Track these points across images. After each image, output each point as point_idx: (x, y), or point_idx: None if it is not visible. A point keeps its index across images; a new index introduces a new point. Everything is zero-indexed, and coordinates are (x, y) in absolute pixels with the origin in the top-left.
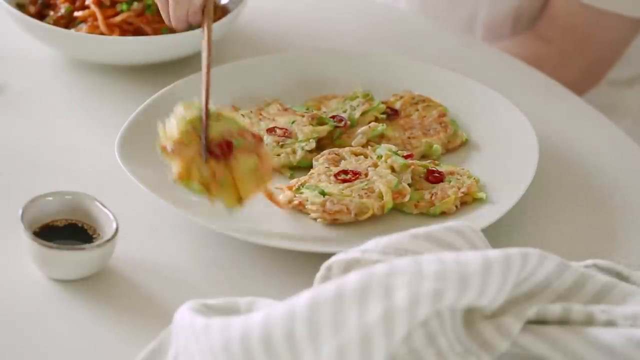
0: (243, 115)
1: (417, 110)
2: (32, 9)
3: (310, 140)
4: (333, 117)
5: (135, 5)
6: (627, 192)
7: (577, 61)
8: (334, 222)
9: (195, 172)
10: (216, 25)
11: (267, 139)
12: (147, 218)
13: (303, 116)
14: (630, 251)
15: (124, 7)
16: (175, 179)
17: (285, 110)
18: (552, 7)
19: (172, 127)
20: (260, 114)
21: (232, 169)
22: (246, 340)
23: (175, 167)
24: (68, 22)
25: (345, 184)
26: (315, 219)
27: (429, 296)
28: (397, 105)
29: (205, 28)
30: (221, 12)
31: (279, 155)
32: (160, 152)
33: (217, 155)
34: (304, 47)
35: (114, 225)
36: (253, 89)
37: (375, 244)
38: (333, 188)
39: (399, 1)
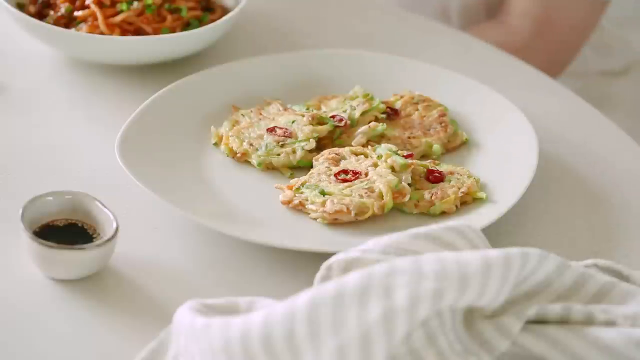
0: (243, 115)
1: (417, 110)
2: (32, 8)
3: (310, 140)
4: (333, 117)
5: (135, 5)
6: (628, 192)
7: (539, 47)
8: (334, 222)
9: None
10: (216, 25)
11: (267, 138)
12: (147, 218)
13: (303, 116)
14: (630, 251)
15: (124, 6)
16: None
17: (285, 110)
18: None
19: None
20: (260, 114)
21: None
22: (246, 340)
23: None
24: (68, 21)
25: (346, 184)
26: (315, 219)
27: (429, 296)
28: (397, 105)
29: None
30: (221, 12)
31: (279, 155)
32: None
33: None
34: (304, 47)
35: (114, 225)
36: (253, 89)
37: (375, 243)
38: (333, 188)
39: None
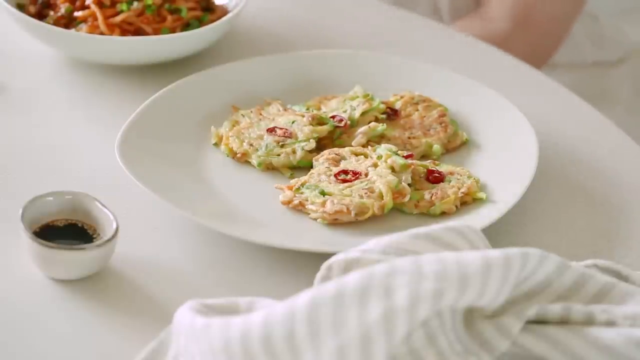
0: (243, 115)
1: (417, 110)
2: (32, 8)
3: (310, 140)
4: (333, 117)
5: (135, 5)
6: (627, 192)
7: (520, 39)
8: (334, 222)
9: None
10: (216, 25)
11: (267, 138)
12: (147, 218)
13: (303, 116)
14: (630, 251)
15: (124, 7)
16: None
17: (285, 110)
18: None
19: None
20: (260, 114)
21: None
22: (246, 340)
23: None
24: (68, 22)
25: (346, 184)
26: (315, 219)
27: (429, 296)
28: (397, 105)
29: None
30: (221, 12)
31: (279, 155)
32: None
33: None
34: (304, 47)
35: (114, 225)
36: (253, 89)
37: (375, 244)
38: (333, 188)
39: None
